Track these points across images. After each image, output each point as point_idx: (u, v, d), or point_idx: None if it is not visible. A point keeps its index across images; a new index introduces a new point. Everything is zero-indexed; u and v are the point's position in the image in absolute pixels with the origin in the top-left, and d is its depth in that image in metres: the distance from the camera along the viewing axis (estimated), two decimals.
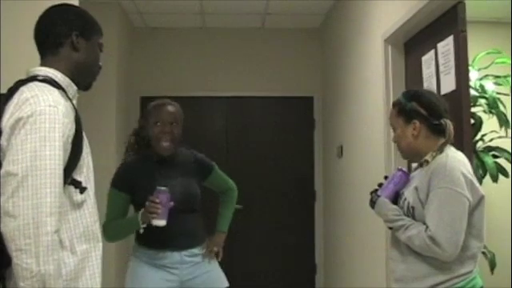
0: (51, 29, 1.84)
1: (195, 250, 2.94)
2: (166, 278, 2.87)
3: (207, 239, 3.05)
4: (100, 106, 4.81)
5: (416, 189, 2.20)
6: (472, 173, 2.18)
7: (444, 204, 2.09)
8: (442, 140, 2.24)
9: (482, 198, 2.15)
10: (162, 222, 2.67)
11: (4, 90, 1.78)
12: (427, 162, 2.24)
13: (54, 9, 1.89)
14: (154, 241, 2.86)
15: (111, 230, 2.85)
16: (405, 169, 2.43)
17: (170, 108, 2.94)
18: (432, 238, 2.08)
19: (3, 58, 2.95)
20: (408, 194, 2.26)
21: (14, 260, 1.55)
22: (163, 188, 2.69)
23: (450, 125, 2.26)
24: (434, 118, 2.26)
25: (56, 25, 1.84)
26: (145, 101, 5.92)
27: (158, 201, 2.64)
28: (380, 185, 2.43)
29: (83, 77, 1.88)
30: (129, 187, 2.87)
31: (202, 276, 2.94)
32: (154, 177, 2.86)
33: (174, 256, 2.88)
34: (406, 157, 2.42)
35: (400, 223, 2.21)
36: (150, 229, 2.76)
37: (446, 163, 2.15)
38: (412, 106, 2.28)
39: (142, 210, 2.71)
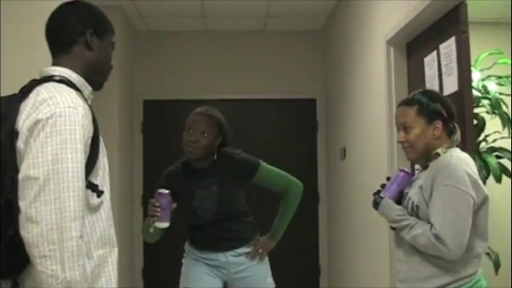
0: (65, 26, 1.79)
1: (240, 250, 3.04)
2: (213, 271, 3.03)
3: (256, 239, 3.11)
4: (103, 109, 4.78)
5: (420, 188, 2.19)
6: (476, 173, 2.18)
7: (448, 202, 2.08)
8: (450, 143, 2.27)
9: (486, 197, 2.15)
10: (164, 224, 2.71)
11: (4, 91, 1.74)
12: (438, 154, 2.22)
13: (67, 6, 1.84)
14: (200, 244, 3.04)
15: (143, 229, 2.96)
16: (407, 169, 2.42)
17: (205, 119, 2.92)
18: (437, 237, 2.07)
19: (3, 58, 2.95)
20: (412, 194, 2.26)
21: (38, 267, 1.50)
22: (163, 191, 2.71)
23: (458, 129, 2.30)
24: (450, 121, 2.29)
25: (70, 22, 1.79)
26: (148, 104, 5.97)
27: (157, 204, 2.69)
28: (383, 186, 2.42)
29: (95, 76, 1.83)
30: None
31: (246, 278, 3.05)
32: (189, 187, 2.95)
33: (220, 257, 3.02)
34: (417, 158, 2.34)
35: (405, 223, 2.21)
36: (195, 232, 3.02)
37: (449, 162, 2.15)
38: (437, 106, 2.27)
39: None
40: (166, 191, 2.70)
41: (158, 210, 2.68)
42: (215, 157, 2.99)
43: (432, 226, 2.10)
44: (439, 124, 2.26)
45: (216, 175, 2.96)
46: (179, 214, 2.97)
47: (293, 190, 3.08)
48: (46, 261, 1.49)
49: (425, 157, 2.30)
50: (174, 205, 2.77)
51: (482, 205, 2.14)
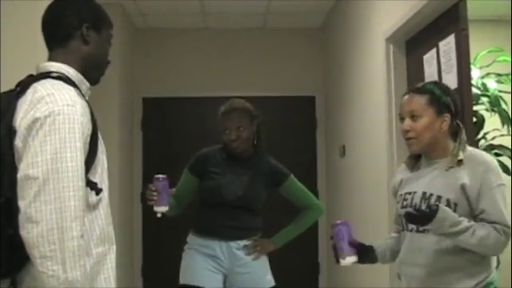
0: (61, 20, 1.76)
1: (242, 243, 3.09)
2: (214, 265, 3.05)
3: (258, 236, 3.17)
4: (103, 107, 4.79)
5: (463, 187, 2.12)
6: None
7: (505, 201, 2.12)
8: (452, 141, 2.24)
9: None
10: (161, 209, 2.78)
11: (4, 89, 1.72)
12: (461, 161, 2.17)
13: (64, 0, 1.82)
14: (204, 229, 3.09)
15: None
16: (338, 221, 2.32)
17: (234, 114, 3.06)
18: (507, 233, 2.09)
19: (3, 58, 2.95)
20: (440, 192, 2.17)
21: (39, 268, 1.48)
22: (160, 175, 2.77)
23: (463, 127, 2.26)
24: (456, 118, 2.26)
25: (66, 16, 1.76)
26: (147, 101, 5.97)
27: (153, 188, 2.76)
28: (334, 248, 2.31)
29: (92, 71, 1.81)
30: (199, 172, 3.10)
31: (245, 274, 3.08)
32: (222, 169, 3.08)
33: (222, 246, 3.05)
34: (421, 150, 2.27)
35: (465, 224, 2.07)
36: (206, 214, 3.08)
37: (492, 160, 2.20)
38: (447, 100, 2.22)
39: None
40: (163, 176, 2.76)
41: (155, 194, 2.75)
42: (254, 151, 3.17)
43: (495, 223, 2.09)
44: (448, 118, 2.21)
45: (250, 169, 3.12)
46: (201, 193, 3.11)
47: (313, 210, 3.26)
48: (46, 261, 1.48)
49: (432, 151, 2.25)
50: (172, 190, 2.85)
51: None
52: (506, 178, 3.82)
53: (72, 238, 1.50)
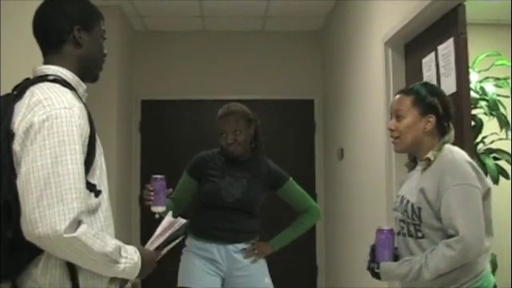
0: (51, 25, 1.76)
1: (241, 246, 3.10)
2: (212, 268, 3.06)
3: (256, 239, 3.19)
4: (101, 109, 4.79)
5: (422, 190, 2.12)
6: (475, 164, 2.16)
7: (465, 201, 2.03)
8: (441, 141, 2.23)
9: (489, 190, 2.13)
10: (158, 208, 2.72)
11: (4, 91, 1.73)
12: (429, 160, 2.17)
13: (51, 2, 1.80)
14: (202, 232, 3.09)
15: None
16: (385, 227, 2.26)
17: (231, 118, 3.08)
18: (460, 242, 1.99)
19: (3, 58, 2.95)
20: (409, 196, 2.19)
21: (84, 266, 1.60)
22: (157, 175, 2.73)
23: (453, 129, 2.26)
24: (446, 119, 2.24)
25: (55, 21, 1.75)
26: (145, 104, 5.96)
27: (151, 188, 2.72)
28: (372, 256, 2.28)
29: (89, 70, 1.81)
30: (198, 175, 3.13)
31: (243, 277, 3.09)
32: (220, 171, 3.10)
33: (220, 249, 3.06)
34: (403, 150, 2.31)
35: (416, 266, 2.08)
36: (205, 217, 3.09)
37: (454, 159, 2.12)
38: (433, 100, 2.22)
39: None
40: (160, 176, 2.73)
41: (152, 194, 2.71)
42: (253, 154, 3.18)
43: (448, 235, 2.04)
44: (432, 118, 2.21)
45: (248, 172, 3.14)
46: (200, 196, 3.12)
47: (312, 213, 3.26)
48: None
49: (416, 151, 2.26)
50: (169, 190, 2.80)
51: (485, 197, 2.11)
52: (505, 182, 3.83)
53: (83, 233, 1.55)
